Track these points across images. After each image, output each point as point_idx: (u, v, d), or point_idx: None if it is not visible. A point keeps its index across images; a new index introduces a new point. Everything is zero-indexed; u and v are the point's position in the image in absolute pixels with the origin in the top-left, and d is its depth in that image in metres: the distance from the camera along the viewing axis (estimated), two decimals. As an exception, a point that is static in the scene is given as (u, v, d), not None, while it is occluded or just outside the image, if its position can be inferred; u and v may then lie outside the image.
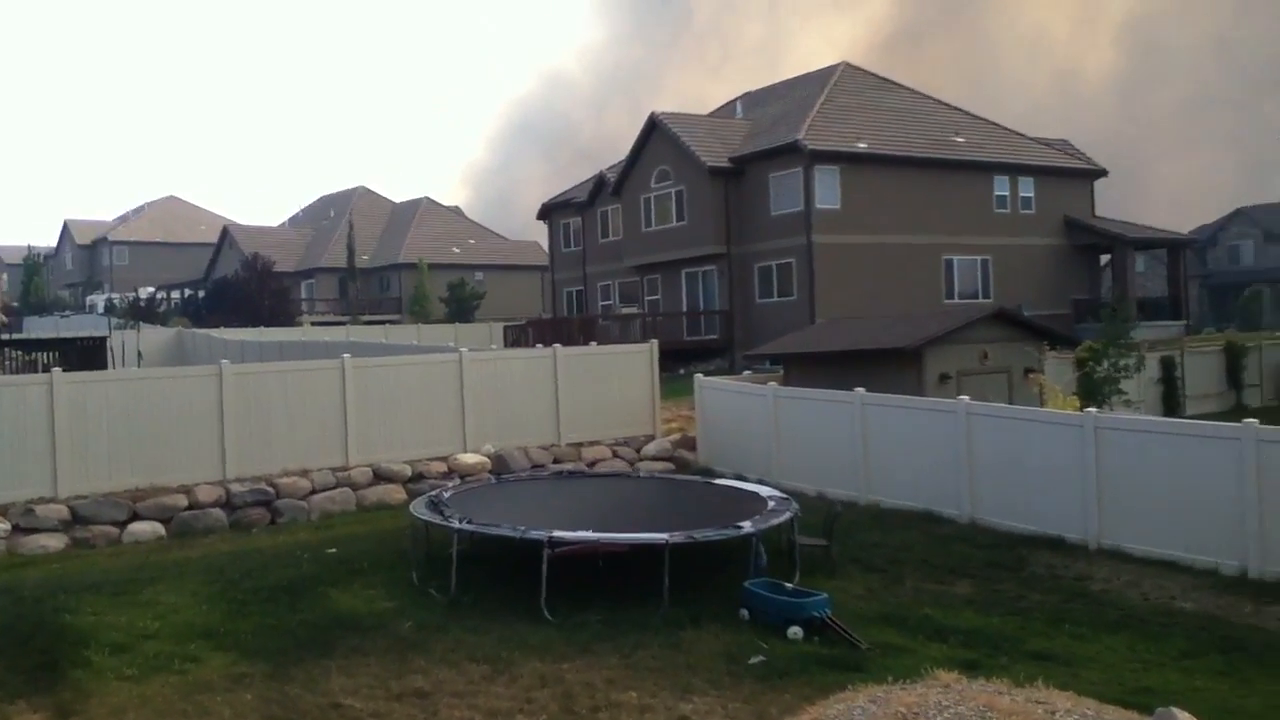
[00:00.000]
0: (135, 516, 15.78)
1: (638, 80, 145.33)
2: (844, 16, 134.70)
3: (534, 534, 11.23)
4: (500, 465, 18.53)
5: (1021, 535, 14.28)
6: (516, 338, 39.53)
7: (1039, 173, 38.32)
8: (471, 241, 70.14)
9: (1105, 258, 40.74)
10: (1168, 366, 26.78)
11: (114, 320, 49.41)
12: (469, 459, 18.46)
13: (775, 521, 12.22)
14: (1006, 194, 37.46)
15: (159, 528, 15.78)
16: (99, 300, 69.22)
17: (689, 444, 20.68)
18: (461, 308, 57.89)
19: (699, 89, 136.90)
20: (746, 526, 11.70)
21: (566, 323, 39.30)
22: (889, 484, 16.42)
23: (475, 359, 19.91)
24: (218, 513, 16.27)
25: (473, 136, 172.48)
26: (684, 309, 37.58)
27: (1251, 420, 12.89)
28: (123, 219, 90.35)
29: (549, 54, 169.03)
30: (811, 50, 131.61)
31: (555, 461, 19.26)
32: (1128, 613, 11.24)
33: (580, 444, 20.00)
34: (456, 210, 78.04)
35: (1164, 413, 25.93)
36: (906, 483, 16.15)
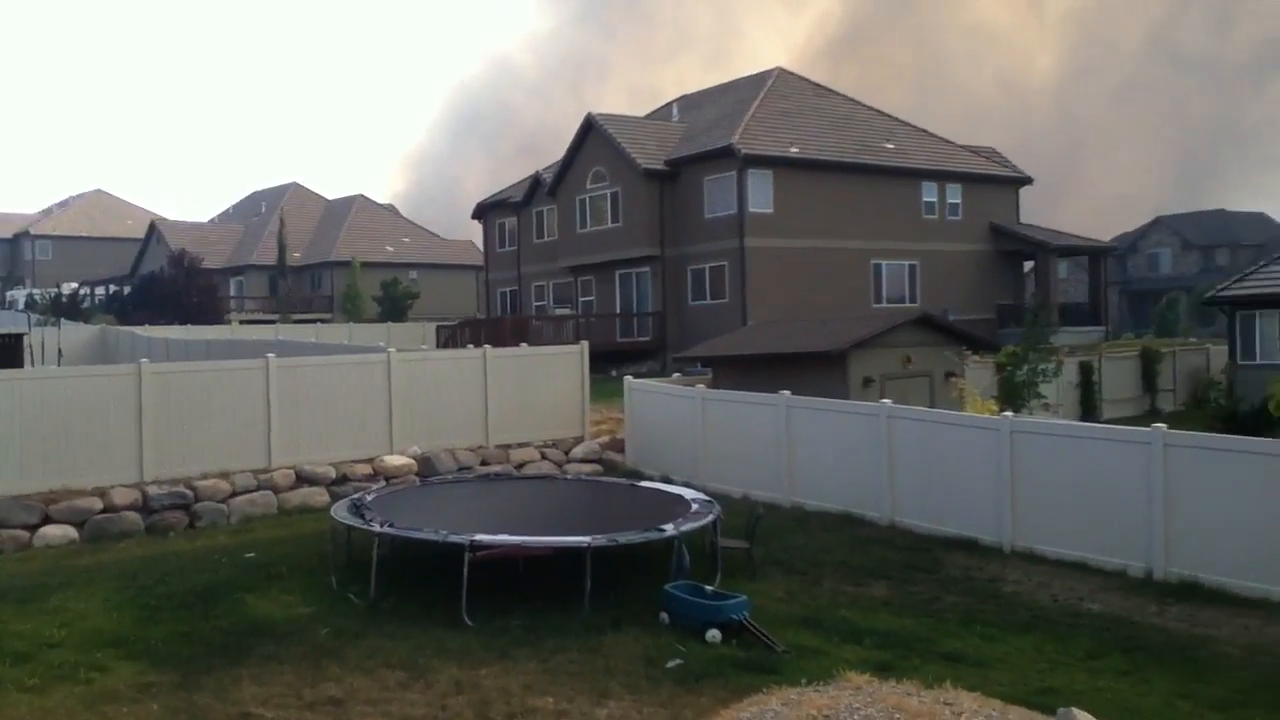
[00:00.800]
0: (47, 520, 15.35)
1: (584, 70, 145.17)
2: (793, 14, 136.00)
3: (456, 537, 11.17)
4: (427, 467, 18.39)
5: (939, 537, 14.56)
6: (449, 338, 39.23)
7: (967, 180, 39.09)
8: (406, 240, 69.42)
9: (1029, 264, 41.67)
10: (1086, 371, 27.52)
11: (34, 317, 47.95)
12: (395, 461, 18.30)
13: (698, 524, 12.31)
14: (935, 200, 38.15)
15: (71, 531, 15.37)
16: (19, 296, 67.14)
17: (618, 446, 20.73)
18: (395, 307, 57.27)
19: (647, 79, 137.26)
20: (669, 529, 11.77)
21: (500, 323, 39.10)
22: (813, 486, 16.63)
23: (404, 359, 19.74)
24: (133, 516, 15.89)
25: (414, 123, 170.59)
26: (617, 311, 37.64)
27: (1160, 425, 13.27)
28: (47, 213, 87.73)
29: (495, 39, 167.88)
30: (759, 46, 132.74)
31: (483, 463, 19.17)
32: (1037, 614, 11.53)
33: (509, 446, 19.93)
34: (391, 208, 77.20)
35: (1081, 416, 26.64)
36: (830, 485, 16.38)
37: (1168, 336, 42.83)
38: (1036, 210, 44.28)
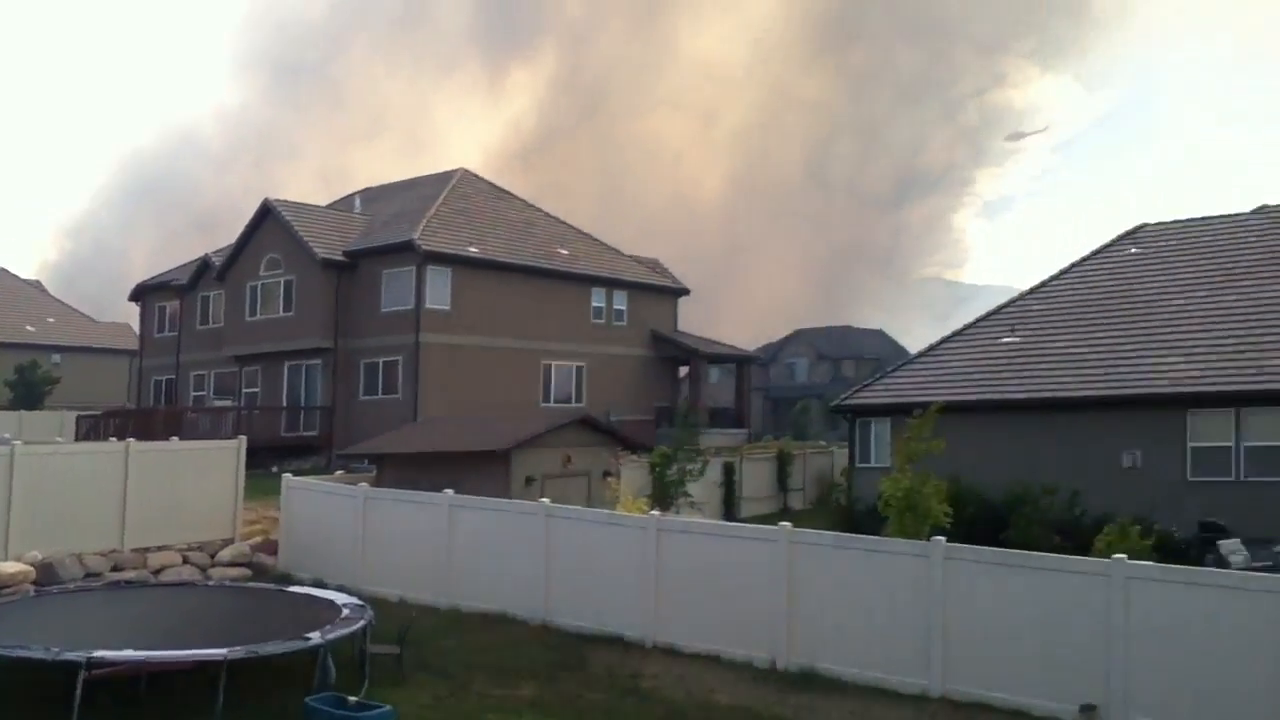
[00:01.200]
0: None
1: (273, 147, 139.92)
2: (488, 111, 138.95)
3: (70, 655, 10.31)
4: (47, 575, 16.66)
5: (589, 635, 15.06)
6: (91, 429, 35.89)
7: (631, 288, 41.53)
8: (51, 320, 62.96)
9: (685, 369, 44.70)
10: (728, 471, 29.81)
11: None
12: (8, 569, 16.44)
13: (347, 630, 12.12)
14: (602, 306, 40.18)
15: None
16: None
17: (271, 548, 19.83)
18: (30, 393, 51.49)
19: (338, 161, 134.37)
20: (315, 638, 11.52)
21: (151, 414, 36.32)
22: (472, 587, 16.69)
23: (30, 452, 17.95)
24: None
25: (77, 188, 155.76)
26: (284, 403, 36.18)
27: (785, 524, 14.52)
28: None
29: (182, 108, 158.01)
30: (451, 138, 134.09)
31: (115, 569, 17.67)
32: (671, 708, 12.24)
33: (147, 549, 18.51)
34: (37, 285, 70.15)
35: (723, 513, 28.72)
36: (488, 585, 16.52)
37: (802, 440, 47.13)
38: (697, 318, 47.83)
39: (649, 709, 12.17)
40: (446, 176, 41.23)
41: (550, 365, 37.78)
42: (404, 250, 34.29)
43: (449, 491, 17.48)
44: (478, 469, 20.41)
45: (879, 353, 76.96)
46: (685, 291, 44.75)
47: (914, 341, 68.20)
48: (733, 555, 14.46)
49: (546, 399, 37.19)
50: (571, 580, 15.72)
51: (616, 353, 40.28)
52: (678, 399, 42.65)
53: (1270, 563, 19.02)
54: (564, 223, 43.56)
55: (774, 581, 13.83)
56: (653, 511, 17.30)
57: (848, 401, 30.03)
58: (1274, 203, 30.67)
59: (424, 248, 33.91)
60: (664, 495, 23.22)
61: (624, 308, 40.97)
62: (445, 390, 33.43)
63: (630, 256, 44.09)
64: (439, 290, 34.56)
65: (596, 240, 43.50)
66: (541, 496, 17.89)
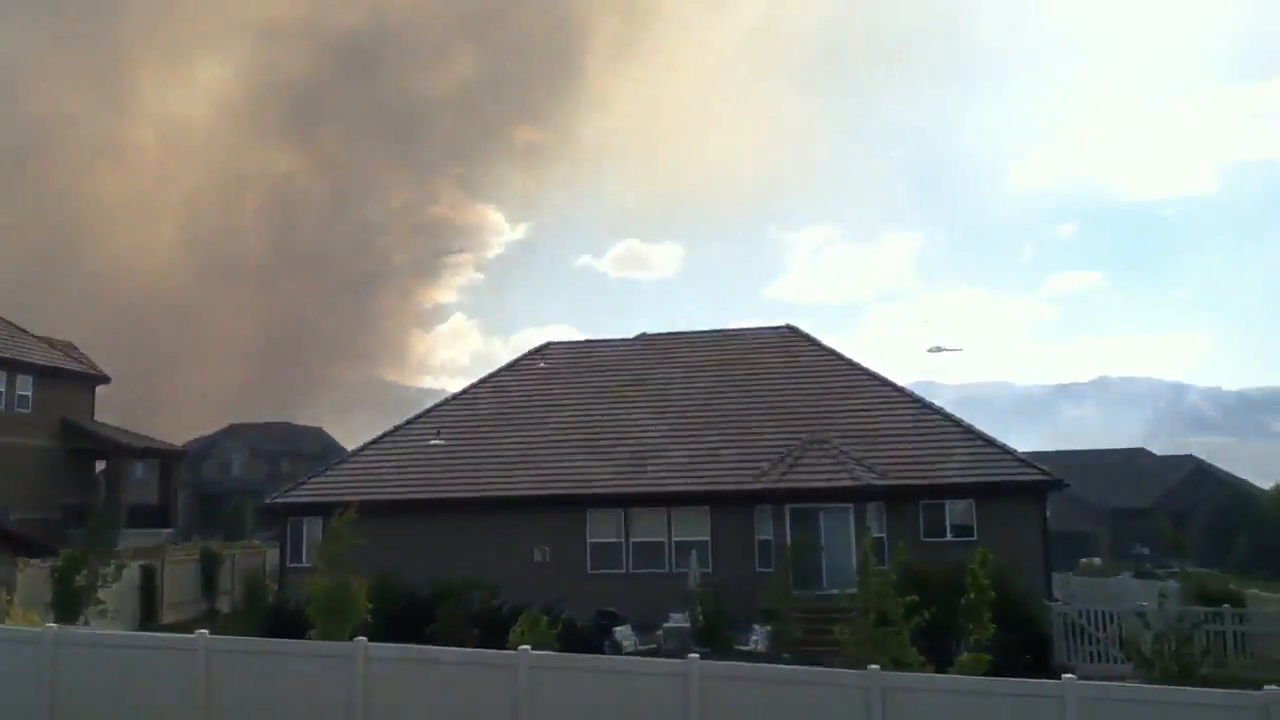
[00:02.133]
0: None
1: None
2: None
3: None
4: None
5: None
6: None
7: (40, 372, 37.16)
8: None
9: (104, 463, 40.74)
10: (148, 575, 27.72)
11: None
12: None
13: None
14: (3, 390, 35.43)
15: None
16: None
17: None
18: None
19: None
20: None
21: None
22: None
23: None
24: None
25: None
26: None
27: (203, 631, 14.15)
28: None
29: None
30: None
31: None
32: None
33: None
34: None
35: (141, 621, 26.64)
36: None
37: (235, 539, 45.05)
38: (129, 405, 43.92)
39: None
40: None
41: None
42: None
43: None
44: None
45: (318, 450, 76.00)
46: (105, 379, 41.02)
47: (353, 440, 68.75)
48: (146, 667, 13.68)
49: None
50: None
51: (19, 442, 35.59)
52: (95, 495, 38.61)
53: (655, 645, 22.36)
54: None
55: (190, 691, 13.22)
56: (50, 624, 15.74)
57: (279, 500, 29.70)
58: (651, 331, 36.62)
59: None
60: (70, 604, 21.02)
61: (29, 393, 36.45)
62: None
63: (41, 338, 39.48)
64: None
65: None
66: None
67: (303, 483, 30.58)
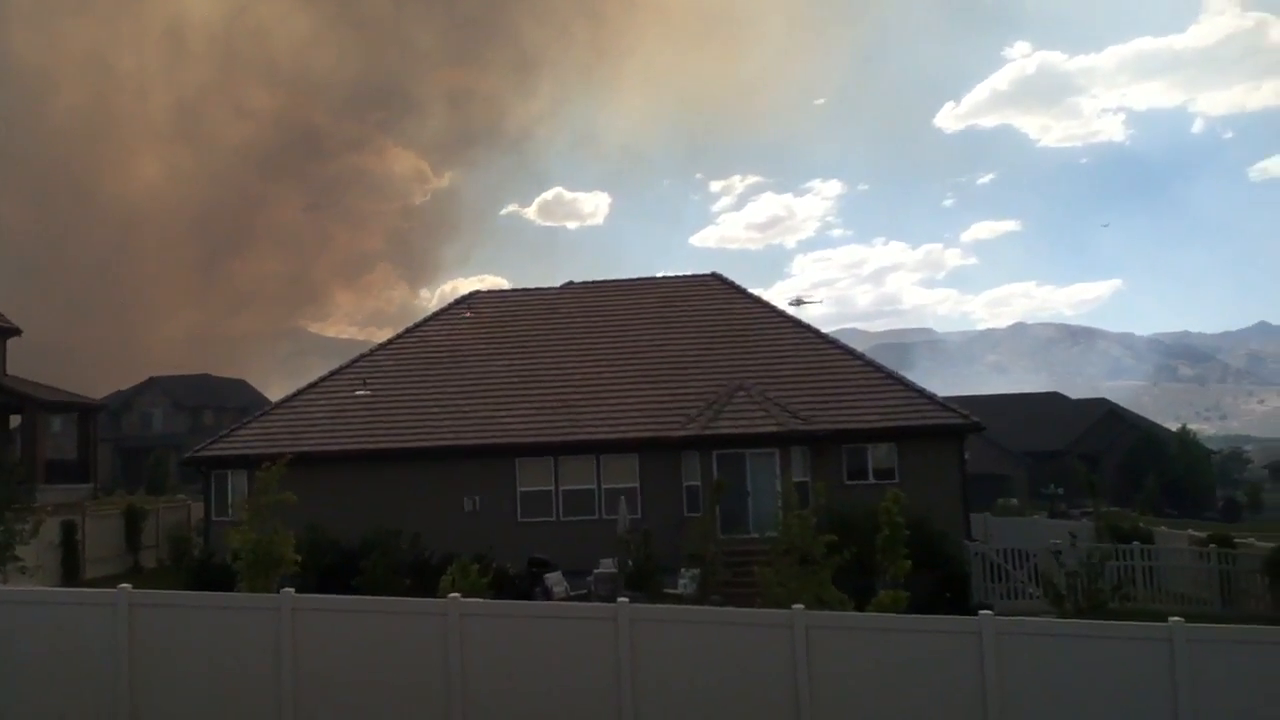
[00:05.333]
0: None
1: None
2: None
3: None
4: None
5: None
6: None
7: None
8: None
9: (18, 418, 39.56)
10: (69, 530, 27.13)
11: None
12: None
13: None
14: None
15: None
16: None
17: None
18: None
19: None
20: None
21: None
22: None
23: None
24: None
25: None
26: None
27: (125, 585, 13.44)
28: None
29: None
30: None
31: None
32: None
33: None
34: None
35: (63, 577, 26.15)
36: None
37: (158, 493, 44.16)
38: (36, 365, 42.49)
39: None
40: None
41: None
42: None
43: None
44: None
45: (242, 402, 74.74)
46: (16, 331, 39.63)
47: (279, 392, 67.71)
48: (64, 624, 13.28)
49: None
50: None
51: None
52: (7, 451, 37.50)
53: (585, 591, 22.64)
54: None
55: (114, 651, 12.90)
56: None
57: (202, 453, 29.23)
58: (579, 280, 36.56)
59: None
60: (-9, 562, 20.52)
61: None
62: None
63: (-57, 287, 37.98)
64: None
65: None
66: None
67: (226, 435, 30.07)
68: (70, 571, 26.82)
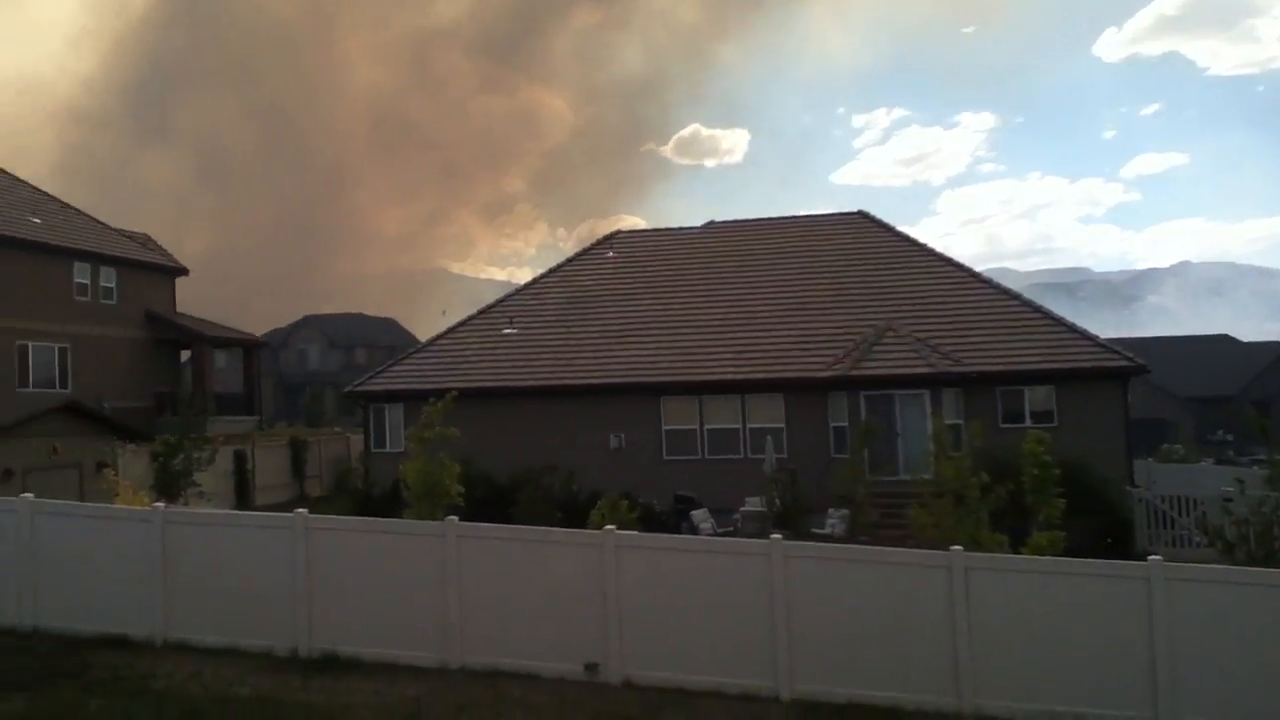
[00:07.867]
0: None
1: None
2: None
3: None
4: None
5: (88, 637, 14.04)
6: None
7: (121, 264, 38.03)
8: None
9: (187, 353, 41.98)
10: (240, 460, 28.79)
11: None
12: None
13: None
14: (87, 282, 36.42)
15: None
16: None
17: None
18: None
19: None
20: None
21: None
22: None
23: None
24: None
25: None
26: None
27: (301, 510, 14.62)
28: None
29: None
30: None
31: None
32: (189, 705, 11.76)
33: None
34: None
35: (236, 503, 27.77)
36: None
37: (316, 427, 46.33)
38: (198, 302, 44.98)
39: (164, 709, 11.71)
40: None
41: (27, 346, 33.53)
42: None
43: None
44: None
45: (392, 341, 77.46)
46: (183, 271, 41.95)
47: (424, 330, 69.75)
48: (248, 544, 14.21)
49: (25, 384, 32.93)
50: (65, 580, 14.53)
51: (107, 333, 36.77)
52: (181, 384, 39.94)
53: (731, 528, 22.75)
54: (34, 188, 38.85)
55: (293, 568, 13.77)
56: (157, 504, 16.48)
57: (361, 388, 30.38)
58: (720, 219, 36.20)
59: None
60: (170, 487, 21.97)
61: (113, 285, 37.46)
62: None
63: (117, 230, 40.36)
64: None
65: (79, 211, 39.34)
66: (24, 491, 16.23)
67: (382, 370, 31.23)
68: (243, 497, 28.48)
